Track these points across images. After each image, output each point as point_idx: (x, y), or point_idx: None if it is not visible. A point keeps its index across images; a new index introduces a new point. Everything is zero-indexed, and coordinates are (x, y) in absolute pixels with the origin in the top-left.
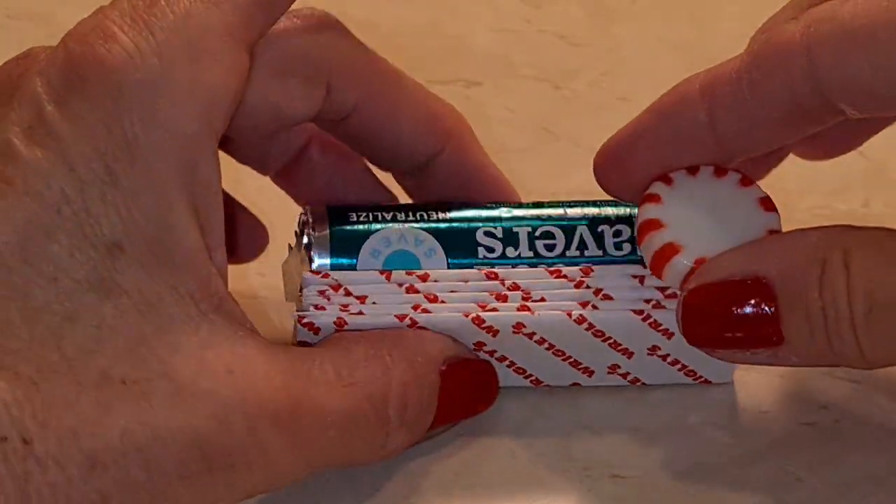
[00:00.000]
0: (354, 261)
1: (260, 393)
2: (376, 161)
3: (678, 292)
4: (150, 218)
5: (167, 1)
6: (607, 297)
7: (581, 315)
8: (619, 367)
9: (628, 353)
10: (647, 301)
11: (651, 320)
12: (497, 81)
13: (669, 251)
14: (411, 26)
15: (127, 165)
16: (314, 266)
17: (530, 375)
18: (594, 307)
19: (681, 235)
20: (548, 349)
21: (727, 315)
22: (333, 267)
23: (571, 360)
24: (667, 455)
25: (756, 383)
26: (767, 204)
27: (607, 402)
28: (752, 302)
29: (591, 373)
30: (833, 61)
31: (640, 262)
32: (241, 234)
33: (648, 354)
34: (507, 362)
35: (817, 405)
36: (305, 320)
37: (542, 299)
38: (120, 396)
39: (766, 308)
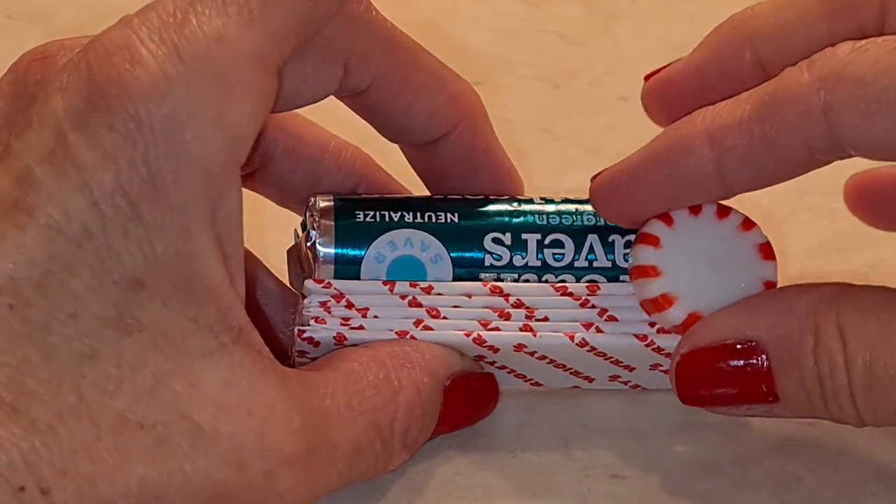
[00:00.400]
0: (358, 267)
1: (278, 436)
2: (386, 134)
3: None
4: (173, 253)
5: (199, 19)
6: (612, 319)
7: (583, 339)
8: (619, 377)
9: (630, 369)
10: (652, 325)
11: (655, 346)
12: (497, 81)
13: (663, 302)
14: (411, 26)
15: (151, 201)
16: (319, 262)
17: (531, 380)
18: (598, 329)
19: (676, 286)
20: (549, 363)
21: (721, 379)
22: (338, 263)
23: (572, 370)
24: (667, 455)
25: None
26: (766, 251)
27: (607, 403)
28: (746, 366)
29: (591, 380)
30: (857, 123)
31: None
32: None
33: (651, 369)
34: (507, 370)
35: None
36: (305, 335)
37: (546, 318)
38: (138, 442)
39: (760, 371)
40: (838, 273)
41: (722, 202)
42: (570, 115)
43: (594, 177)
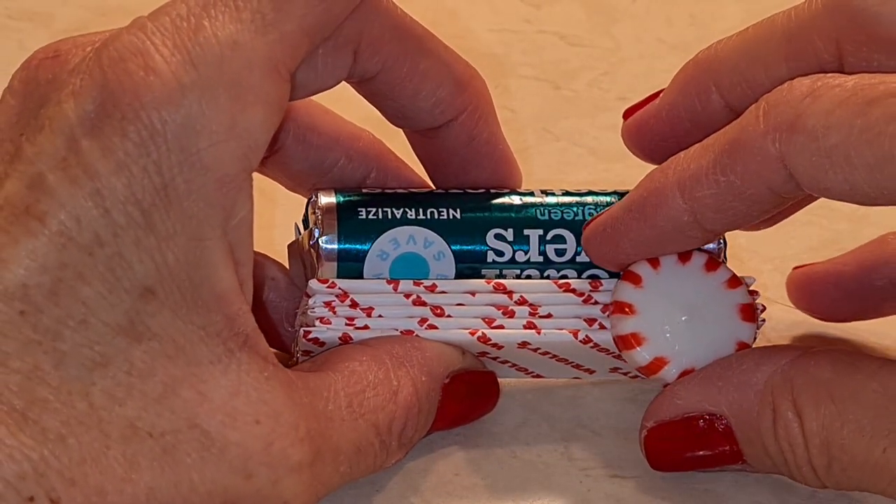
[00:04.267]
0: (361, 264)
1: (285, 445)
2: (390, 118)
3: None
4: (184, 261)
5: (212, 24)
6: None
7: (587, 336)
8: (620, 368)
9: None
10: None
11: None
12: (497, 81)
13: (632, 340)
14: None
15: (163, 210)
16: (322, 260)
17: (532, 373)
18: (601, 326)
19: (648, 328)
20: (552, 358)
21: (689, 450)
22: (342, 261)
23: (574, 364)
24: None
25: None
26: (747, 312)
27: (607, 403)
28: (711, 437)
29: (592, 372)
30: (811, 175)
31: None
32: None
33: None
34: (509, 364)
35: None
36: (311, 335)
37: (549, 315)
38: (147, 451)
39: (725, 441)
40: None
41: (714, 257)
42: (570, 115)
43: (585, 225)
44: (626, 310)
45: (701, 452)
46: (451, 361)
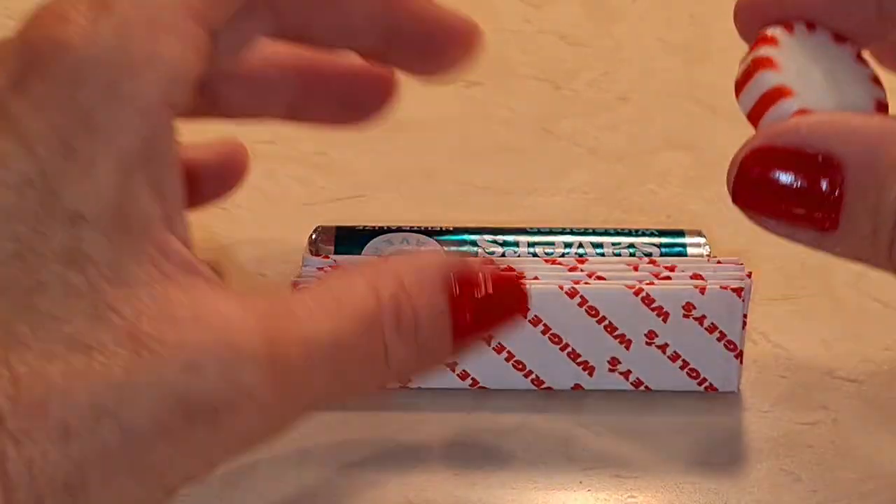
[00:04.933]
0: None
1: (232, 335)
2: (332, 46)
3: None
4: (109, 187)
5: None
6: (601, 278)
7: (573, 288)
8: (619, 361)
9: (626, 342)
10: (640, 280)
11: (644, 294)
12: (497, 81)
13: (778, 94)
14: None
15: (84, 138)
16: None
17: (531, 372)
18: (587, 283)
19: (793, 81)
20: (543, 332)
21: (786, 189)
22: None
23: (570, 350)
24: (667, 455)
25: (757, 383)
26: (878, 81)
27: (607, 403)
28: (817, 181)
29: (591, 370)
30: None
31: (634, 256)
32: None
33: (647, 344)
34: (504, 354)
35: (817, 405)
36: (301, 285)
37: (536, 278)
38: (88, 362)
39: (830, 192)
40: (839, 268)
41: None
42: (570, 115)
43: None
44: (769, 64)
45: (801, 185)
46: (442, 259)
